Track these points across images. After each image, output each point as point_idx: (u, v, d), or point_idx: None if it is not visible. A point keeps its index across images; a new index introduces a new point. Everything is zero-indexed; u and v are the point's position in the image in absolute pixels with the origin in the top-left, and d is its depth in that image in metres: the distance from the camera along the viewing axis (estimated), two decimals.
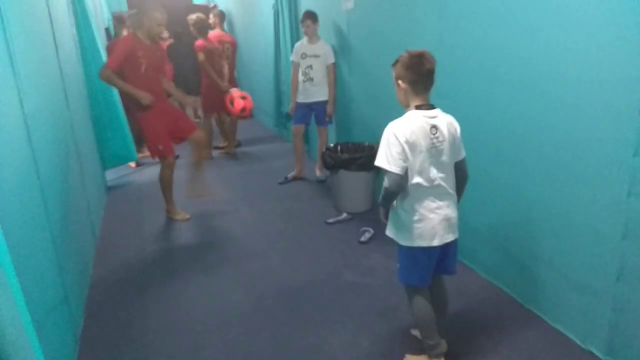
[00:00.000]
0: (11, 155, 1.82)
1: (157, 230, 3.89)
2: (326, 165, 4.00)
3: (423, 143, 1.89)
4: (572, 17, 2.03)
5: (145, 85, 3.59)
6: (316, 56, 4.42)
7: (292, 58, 4.60)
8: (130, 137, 5.02)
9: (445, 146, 1.93)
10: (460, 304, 2.63)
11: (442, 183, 1.96)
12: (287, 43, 5.42)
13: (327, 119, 4.61)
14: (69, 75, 3.41)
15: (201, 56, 5.38)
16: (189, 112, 7.43)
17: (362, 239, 3.47)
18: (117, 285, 3.06)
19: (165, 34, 3.65)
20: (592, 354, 2.17)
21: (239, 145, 6.50)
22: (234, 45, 6.02)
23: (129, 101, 3.72)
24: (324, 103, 4.55)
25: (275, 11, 5.67)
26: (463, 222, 2.93)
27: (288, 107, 4.98)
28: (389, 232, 2.11)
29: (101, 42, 4.95)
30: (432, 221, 1.96)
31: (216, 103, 5.56)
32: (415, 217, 1.96)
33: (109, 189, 4.96)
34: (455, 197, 2.04)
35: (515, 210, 2.54)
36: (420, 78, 1.91)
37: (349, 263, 3.16)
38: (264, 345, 2.41)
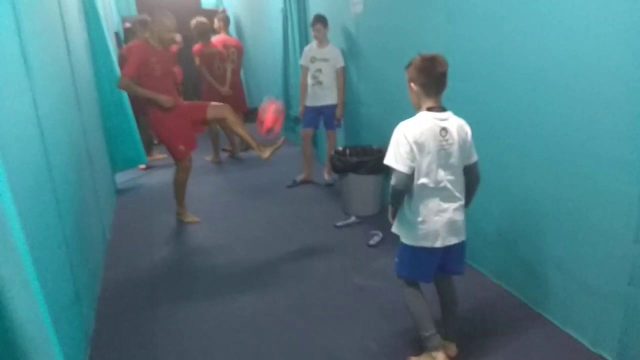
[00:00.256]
0: (26, 157, 1.84)
1: (166, 233, 3.91)
2: (335, 168, 4.01)
3: (432, 144, 1.90)
4: (582, 23, 2.03)
5: (162, 89, 3.64)
6: (325, 60, 4.44)
7: (301, 62, 4.62)
8: (139, 141, 5.06)
9: (455, 149, 1.94)
10: (470, 307, 2.62)
11: (449, 186, 1.97)
12: (296, 47, 5.44)
13: (335, 122, 4.63)
14: (80, 79, 3.46)
15: (197, 60, 5.44)
16: None
17: (371, 242, 3.47)
18: (127, 288, 3.08)
19: (178, 38, 3.68)
20: (603, 357, 2.15)
21: (247, 148, 6.53)
22: (239, 49, 6.05)
23: (148, 106, 3.76)
24: (333, 107, 4.56)
25: (284, 15, 5.70)
26: (472, 225, 2.93)
27: (296, 111, 4.99)
28: (395, 228, 2.13)
29: (112, 46, 5.00)
30: (436, 223, 1.98)
31: None
32: (420, 218, 1.98)
33: (119, 191, 4.99)
34: (462, 201, 2.04)
35: (524, 213, 2.53)
36: (431, 81, 1.93)
37: (357, 266, 3.16)
38: (273, 348, 2.41)
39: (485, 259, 2.92)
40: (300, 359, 2.33)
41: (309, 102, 4.61)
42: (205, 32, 5.42)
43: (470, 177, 2.06)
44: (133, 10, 9.01)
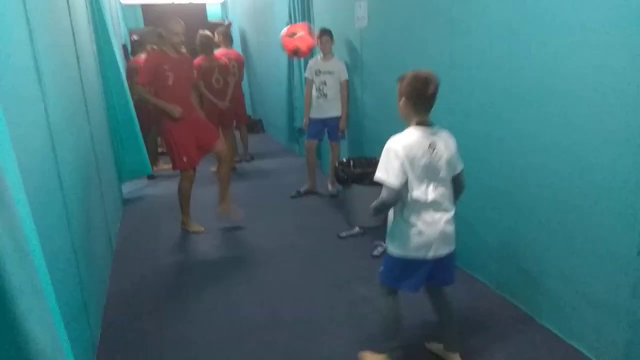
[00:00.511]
0: (38, 165, 1.88)
1: (172, 243, 3.94)
2: (339, 179, 4.04)
3: (421, 159, 1.97)
4: (586, 37, 2.07)
5: (174, 97, 3.71)
6: (330, 73, 4.50)
7: (306, 74, 4.67)
8: (145, 152, 5.11)
9: (443, 163, 2.01)
10: (473, 318, 2.63)
11: (441, 198, 2.03)
12: (301, 60, 5.50)
13: (339, 134, 4.67)
14: (89, 90, 3.51)
15: (194, 74, 5.46)
16: None
17: (375, 252, 3.49)
18: (133, 297, 3.10)
19: (182, 50, 3.74)
20: None
21: (251, 159, 6.58)
22: (240, 63, 6.12)
23: (159, 113, 3.84)
24: (337, 119, 4.61)
25: None
26: (475, 236, 2.96)
27: (301, 122, 5.03)
28: (387, 241, 2.18)
29: (120, 58, 5.07)
30: (429, 236, 2.03)
31: (214, 119, 5.57)
32: (415, 230, 2.03)
33: (125, 201, 5.03)
34: (453, 212, 2.09)
35: (527, 224, 2.55)
36: (423, 100, 2.00)
37: (361, 276, 3.17)
38: (278, 358, 2.42)
39: (487, 270, 2.94)
40: None
41: (314, 114, 4.66)
42: (208, 45, 5.47)
43: (456, 186, 2.12)
44: (140, 23, 9.13)
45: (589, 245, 2.19)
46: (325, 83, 4.52)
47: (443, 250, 2.06)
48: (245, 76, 7.43)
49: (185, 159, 3.85)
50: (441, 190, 2.03)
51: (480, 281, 2.99)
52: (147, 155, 5.15)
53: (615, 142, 2.00)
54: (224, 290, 3.11)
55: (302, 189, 4.94)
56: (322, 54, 4.52)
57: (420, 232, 2.01)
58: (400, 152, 1.95)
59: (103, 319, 2.83)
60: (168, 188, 5.26)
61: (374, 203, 2.03)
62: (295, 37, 4.73)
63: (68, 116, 2.63)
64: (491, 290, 2.90)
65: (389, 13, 3.75)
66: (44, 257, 1.71)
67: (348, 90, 4.56)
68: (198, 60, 5.47)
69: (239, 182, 5.60)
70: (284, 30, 4.87)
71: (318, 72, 4.53)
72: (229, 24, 8.36)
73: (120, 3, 7.97)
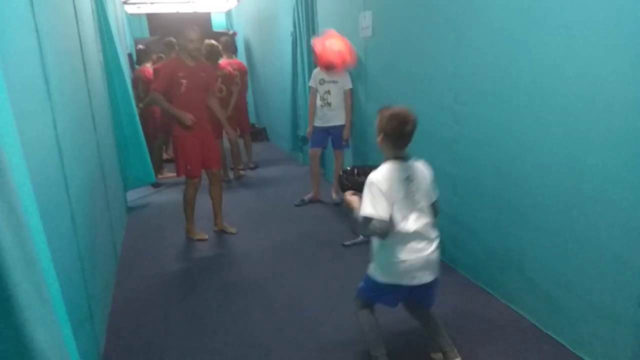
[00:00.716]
0: (46, 174, 1.89)
1: (176, 250, 3.94)
2: (343, 187, 4.00)
3: (400, 192, 2.06)
4: (592, 45, 2.07)
5: (186, 105, 3.76)
6: (334, 82, 4.52)
7: (310, 83, 4.70)
8: (149, 160, 5.14)
9: (421, 194, 2.11)
10: (479, 328, 2.62)
11: (424, 228, 2.11)
12: (305, 69, 5.54)
13: (343, 142, 4.68)
14: (96, 99, 3.54)
15: None
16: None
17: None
18: (138, 305, 3.10)
19: (200, 57, 3.79)
20: None
21: (255, 167, 6.61)
22: (242, 72, 6.17)
23: (169, 120, 3.89)
24: (341, 127, 4.63)
25: (293, 38, 5.81)
26: (481, 247, 2.96)
27: (305, 131, 5.05)
28: (370, 269, 2.24)
29: (126, 67, 5.11)
30: (413, 264, 2.09)
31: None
32: (397, 259, 2.09)
33: (130, 209, 5.05)
34: (437, 240, 2.16)
35: (534, 234, 2.54)
36: (399, 139, 2.09)
37: None
38: None
39: (493, 280, 2.93)
40: None
41: (318, 123, 4.68)
42: (213, 54, 5.51)
43: (431, 212, 2.19)
44: (146, 32, 9.20)
45: (596, 254, 2.18)
46: (329, 92, 4.54)
47: (427, 278, 2.13)
48: (249, 84, 7.47)
49: (188, 167, 3.90)
50: (424, 220, 2.11)
51: (485, 290, 2.98)
52: (150, 163, 5.18)
53: (625, 151, 1.99)
54: (228, 298, 3.11)
55: (306, 198, 4.95)
56: None
57: (404, 261, 2.08)
58: (383, 185, 2.03)
59: (108, 326, 2.83)
60: (172, 196, 5.29)
61: (362, 229, 2.11)
62: (335, 50, 4.28)
63: (75, 125, 2.65)
64: (496, 299, 2.89)
65: (393, 23, 3.77)
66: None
67: (352, 99, 4.58)
68: None
69: (243, 190, 5.61)
70: (323, 38, 4.42)
71: (322, 81, 4.56)
72: (234, 33, 8.42)
73: (126, 12, 8.05)
